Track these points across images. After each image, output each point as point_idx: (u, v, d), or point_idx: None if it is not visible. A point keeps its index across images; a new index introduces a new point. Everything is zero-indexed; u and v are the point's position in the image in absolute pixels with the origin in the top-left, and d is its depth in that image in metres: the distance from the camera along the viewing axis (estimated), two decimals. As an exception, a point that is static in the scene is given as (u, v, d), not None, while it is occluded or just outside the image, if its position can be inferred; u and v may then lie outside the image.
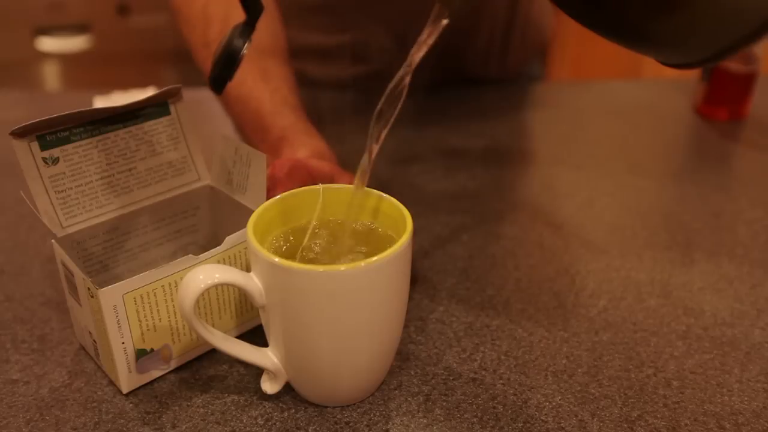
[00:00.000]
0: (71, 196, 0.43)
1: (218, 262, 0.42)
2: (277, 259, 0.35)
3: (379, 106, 0.39)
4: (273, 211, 0.41)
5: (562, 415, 0.40)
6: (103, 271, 0.46)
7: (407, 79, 0.38)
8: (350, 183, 0.50)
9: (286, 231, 0.42)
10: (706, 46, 0.34)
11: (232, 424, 0.40)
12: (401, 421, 0.40)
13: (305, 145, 0.55)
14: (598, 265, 0.55)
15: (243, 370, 0.44)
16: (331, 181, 0.49)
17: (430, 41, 0.38)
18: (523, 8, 0.88)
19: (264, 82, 0.62)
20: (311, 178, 0.49)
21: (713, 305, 0.50)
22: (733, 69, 0.81)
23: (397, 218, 0.40)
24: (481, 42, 0.88)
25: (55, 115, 0.40)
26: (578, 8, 0.37)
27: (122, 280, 0.38)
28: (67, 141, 0.42)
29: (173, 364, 0.43)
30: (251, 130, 0.61)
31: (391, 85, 0.38)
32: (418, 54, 0.38)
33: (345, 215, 0.42)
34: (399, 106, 0.38)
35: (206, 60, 0.66)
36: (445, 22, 0.38)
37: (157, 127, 0.46)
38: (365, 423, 0.40)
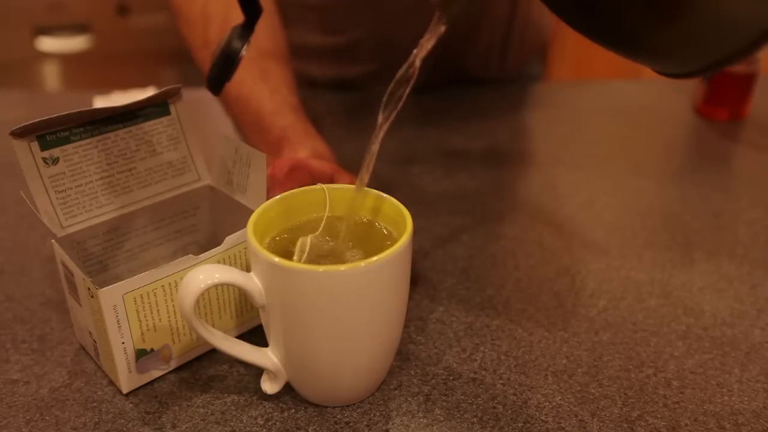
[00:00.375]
0: (71, 196, 0.43)
1: (218, 262, 0.42)
2: (277, 259, 0.35)
3: (384, 100, 0.38)
4: (273, 211, 0.41)
5: (562, 415, 0.40)
6: (103, 271, 0.46)
7: (412, 76, 0.38)
8: (350, 183, 0.50)
9: (286, 229, 0.42)
10: (704, 57, 0.34)
11: (232, 424, 0.40)
12: (401, 421, 0.40)
13: (305, 146, 0.55)
14: (598, 265, 0.55)
15: (243, 370, 0.44)
16: (332, 181, 0.50)
17: (429, 46, 0.38)
18: (522, 9, 0.88)
19: (264, 82, 0.62)
20: (311, 178, 0.49)
21: (713, 305, 0.50)
22: (733, 69, 0.81)
23: (397, 218, 0.40)
24: (481, 43, 0.88)
25: (55, 115, 0.40)
26: (574, 15, 0.37)
27: (122, 280, 0.38)
28: (67, 141, 0.42)
29: (173, 364, 0.43)
30: (251, 131, 0.61)
31: (393, 84, 0.38)
32: (419, 57, 0.38)
33: (346, 214, 0.42)
34: (403, 99, 0.38)
35: (206, 60, 0.66)
36: (443, 28, 0.38)
37: (157, 127, 0.46)
38: (365, 423, 0.40)
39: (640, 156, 0.76)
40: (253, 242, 0.36)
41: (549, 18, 0.95)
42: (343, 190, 0.43)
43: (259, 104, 0.60)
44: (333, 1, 0.82)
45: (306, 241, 0.40)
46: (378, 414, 0.40)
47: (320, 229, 0.41)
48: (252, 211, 0.39)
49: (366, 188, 0.42)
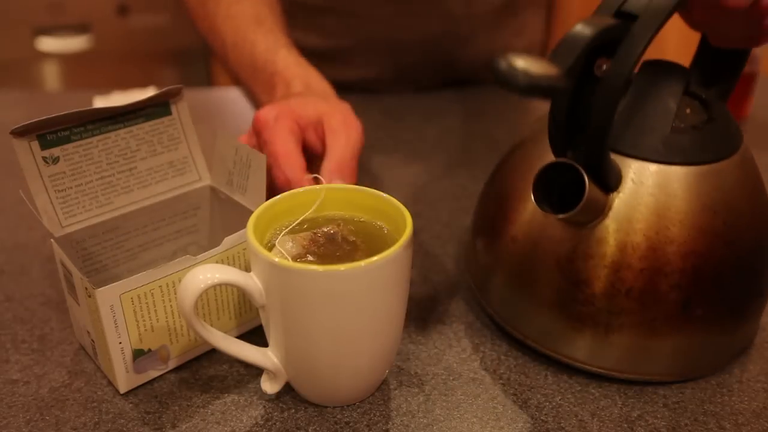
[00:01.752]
0: (71, 196, 0.43)
1: (217, 262, 0.42)
2: (276, 259, 0.35)
3: None
4: (273, 211, 0.41)
5: (562, 415, 0.40)
6: (103, 271, 0.46)
7: None
8: (340, 124, 0.49)
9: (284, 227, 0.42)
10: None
11: (232, 424, 0.40)
12: (401, 421, 0.40)
13: (298, 77, 0.55)
14: (598, 265, 0.55)
15: (243, 370, 0.44)
16: (319, 125, 0.50)
17: None
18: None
19: (257, 25, 0.64)
20: (297, 126, 0.49)
21: (713, 305, 0.50)
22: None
23: (397, 218, 0.40)
24: (478, 48, 0.88)
25: (56, 115, 0.40)
26: None
27: (121, 280, 0.38)
28: (67, 140, 0.42)
29: (171, 365, 0.43)
30: (247, 75, 0.63)
31: None
32: None
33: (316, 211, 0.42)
34: None
35: (204, 18, 0.67)
36: None
37: (157, 127, 0.46)
38: (365, 423, 0.40)
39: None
40: (253, 242, 0.36)
41: (548, 19, 0.96)
42: (342, 189, 0.43)
43: (253, 46, 0.62)
44: (334, 3, 0.82)
45: (278, 250, 0.39)
46: (378, 414, 0.40)
47: (284, 232, 0.41)
48: (252, 211, 0.39)
49: (366, 188, 0.42)
